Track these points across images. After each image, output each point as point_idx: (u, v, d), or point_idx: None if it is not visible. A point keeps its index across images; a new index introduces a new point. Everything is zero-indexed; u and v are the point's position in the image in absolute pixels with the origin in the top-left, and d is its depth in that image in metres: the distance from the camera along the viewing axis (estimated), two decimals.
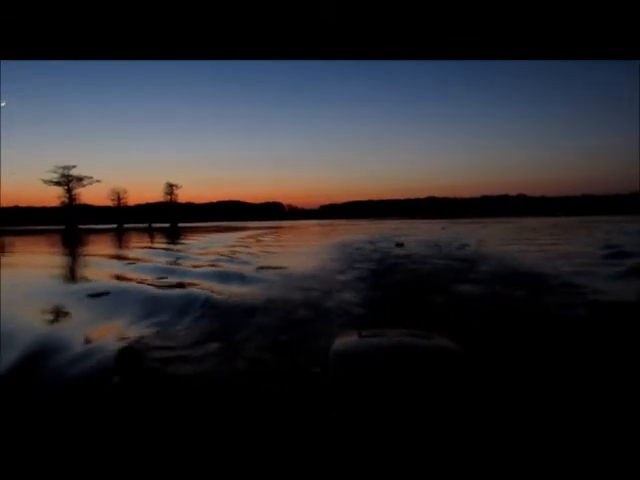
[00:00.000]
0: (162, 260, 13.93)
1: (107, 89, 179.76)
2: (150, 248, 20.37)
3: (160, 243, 26.17)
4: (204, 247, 19.97)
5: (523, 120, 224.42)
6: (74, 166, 74.00)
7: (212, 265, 11.66)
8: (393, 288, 8.13)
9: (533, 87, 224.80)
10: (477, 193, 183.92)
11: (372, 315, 5.79)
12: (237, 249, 17.70)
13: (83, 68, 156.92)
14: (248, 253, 15.94)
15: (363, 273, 9.98)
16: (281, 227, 56.08)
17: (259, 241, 25.16)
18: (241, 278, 9.10)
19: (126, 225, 76.77)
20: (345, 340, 3.46)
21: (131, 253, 17.85)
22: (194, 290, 7.56)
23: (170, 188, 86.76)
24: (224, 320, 5.63)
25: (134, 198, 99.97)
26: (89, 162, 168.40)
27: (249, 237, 29.91)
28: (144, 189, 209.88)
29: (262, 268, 11.11)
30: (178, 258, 14.76)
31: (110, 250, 20.75)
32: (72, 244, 28.38)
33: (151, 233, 46.38)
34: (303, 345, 4.52)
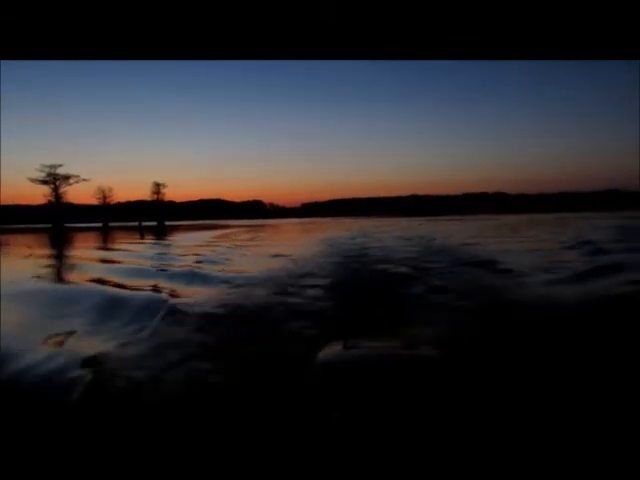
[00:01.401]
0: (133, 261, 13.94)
1: (93, 88, 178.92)
2: (125, 250, 19.81)
3: (142, 242, 26.44)
4: (183, 247, 20.30)
5: (502, 119, 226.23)
6: (61, 165, 74.64)
7: (186, 266, 11.46)
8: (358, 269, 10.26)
9: (510, 86, 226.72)
10: (458, 191, 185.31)
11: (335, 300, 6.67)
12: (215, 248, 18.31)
13: (69, 67, 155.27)
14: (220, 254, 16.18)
15: (331, 266, 11.25)
16: (259, 226, 56.24)
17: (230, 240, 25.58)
18: (207, 279, 9.14)
19: (112, 224, 76.89)
20: (331, 351, 3.50)
21: (109, 254, 17.70)
22: (155, 294, 7.36)
23: (157, 187, 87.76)
24: (186, 325, 5.46)
25: (120, 196, 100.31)
26: (76, 161, 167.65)
27: (221, 237, 30.14)
28: (130, 187, 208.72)
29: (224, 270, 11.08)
30: (153, 258, 14.89)
31: (89, 250, 20.56)
32: (54, 243, 28.28)
33: (141, 232, 46.68)
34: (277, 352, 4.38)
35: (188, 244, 22.09)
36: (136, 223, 79.47)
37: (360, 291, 7.79)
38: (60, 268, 13.20)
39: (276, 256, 13.98)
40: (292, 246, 18.88)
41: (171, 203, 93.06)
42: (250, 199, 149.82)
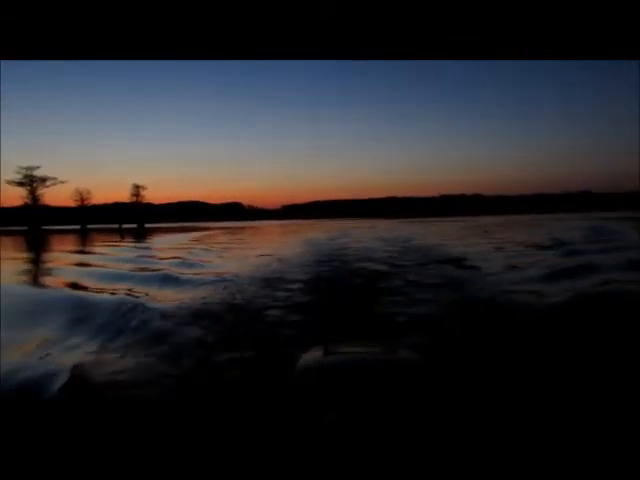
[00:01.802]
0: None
1: (69, 89, 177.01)
2: (102, 254, 19.69)
3: (119, 245, 26.72)
4: (161, 249, 20.84)
5: (481, 121, 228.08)
6: (38, 167, 73.96)
7: (159, 270, 11.66)
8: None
9: (488, 88, 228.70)
10: (436, 193, 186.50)
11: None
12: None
13: (48, 68, 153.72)
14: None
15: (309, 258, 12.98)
16: (239, 228, 56.59)
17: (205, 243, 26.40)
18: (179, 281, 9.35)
19: (91, 226, 76.96)
20: (311, 356, 3.52)
21: (85, 257, 17.64)
22: (127, 298, 7.38)
23: (136, 189, 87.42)
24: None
25: (98, 198, 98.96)
26: (53, 162, 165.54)
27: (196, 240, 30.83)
28: (108, 189, 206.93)
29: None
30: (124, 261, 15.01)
31: (65, 253, 20.49)
32: (30, 246, 28.32)
33: (122, 234, 47.57)
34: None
35: (165, 247, 22.72)
36: (115, 225, 80.00)
37: (340, 288, 8.33)
38: (33, 272, 13.07)
39: (261, 256, 14.56)
40: (272, 248, 19.69)
41: (149, 205, 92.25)
42: (229, 201, 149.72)
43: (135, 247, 24.06)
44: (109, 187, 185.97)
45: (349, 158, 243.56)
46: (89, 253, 19.52)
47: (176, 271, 10.89)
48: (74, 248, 24.22)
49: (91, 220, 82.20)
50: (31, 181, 73.71)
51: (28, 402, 3.30)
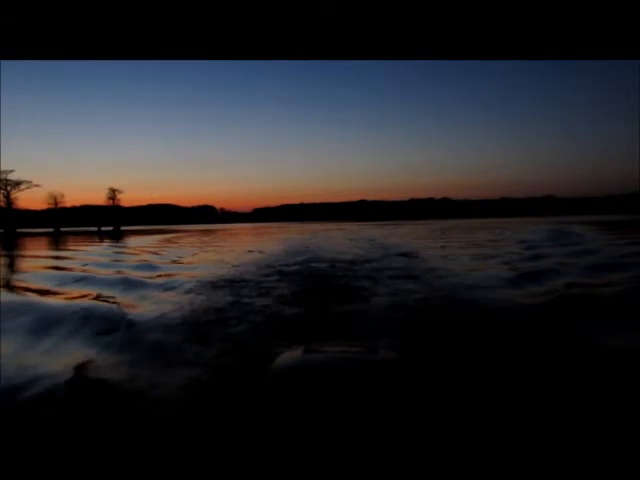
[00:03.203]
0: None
1: (43, 90, 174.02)
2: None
3: (92, 245, 27.61)
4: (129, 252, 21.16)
5: (446, 123, 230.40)
6: (12, 170, 73.85)
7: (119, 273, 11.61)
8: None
9: (454, 89, 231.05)
10: (406, 196, 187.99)
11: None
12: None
13: (20, 68, 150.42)
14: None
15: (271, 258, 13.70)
16: (210, 231, 57.18)
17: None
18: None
19: (64, 229, 77.32)
20: (289, 356, 3.48)
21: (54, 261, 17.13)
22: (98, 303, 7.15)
23: (113, 193, 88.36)
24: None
25: (71, 201, 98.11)
26: (25, 164, 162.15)
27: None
28: (82, 192, 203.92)
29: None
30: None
31: (35, 256, 20.06)
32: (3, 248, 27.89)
33: (100, 236, 48.53)
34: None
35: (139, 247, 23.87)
36: (88, 228, 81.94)
37: (313, 276, 9.71)
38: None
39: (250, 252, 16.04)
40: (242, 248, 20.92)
41: (123, 209, 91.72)
42: (201, 204, 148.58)
43: (110, 248, 24.90)
44: (83, 190, 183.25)
45: (320, 162, 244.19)
46: (63, 259, 19.17)
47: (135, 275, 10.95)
48: (48, 252, 23.86)
49: (65, 223, 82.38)
50: (5, 185, 73.98)
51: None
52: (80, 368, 4.09)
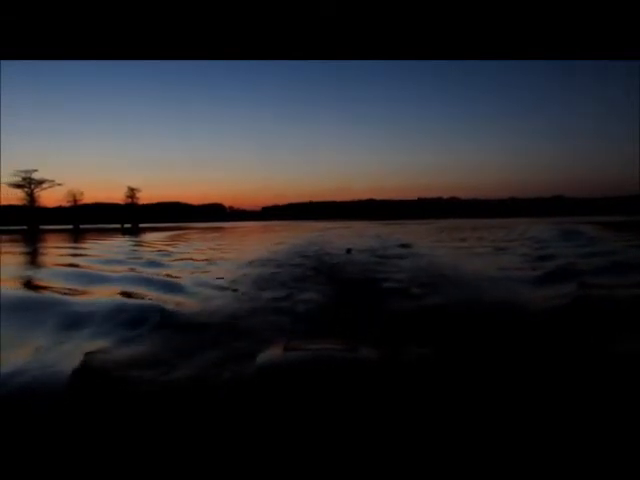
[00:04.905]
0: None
1: (62, 91, 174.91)
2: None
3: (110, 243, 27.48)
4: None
5: (454, 122, 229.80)
6: (36, 170, 76.33)
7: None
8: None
9: (464, 88, 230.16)
10: (414, 195, 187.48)
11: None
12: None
13: (43, 69, 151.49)
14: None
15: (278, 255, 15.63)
16: (220, 228, 58.27)
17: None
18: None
19: (84, 226, 78.44)
20: (270, 353, 3.49)
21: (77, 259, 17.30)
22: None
23: (131, 191, 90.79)
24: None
25: (89, 199, 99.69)
26: (48, 164, 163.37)
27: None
28: (99, 190, 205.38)
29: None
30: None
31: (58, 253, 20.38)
32: (27, 245, 28.13)
33: (123, 232, 50.30)
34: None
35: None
36: (104, 225, 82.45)
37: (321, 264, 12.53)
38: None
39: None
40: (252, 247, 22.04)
41: (139, 206, 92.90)
42: (210, 202, 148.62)
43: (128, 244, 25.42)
44: (100, 188, 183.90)
45: (328, 161, 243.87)
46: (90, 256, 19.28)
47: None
48: (70, 249, 23.91)
49: (84, 220, 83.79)
50: (29, 183, 76.24)
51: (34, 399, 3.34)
52: None
